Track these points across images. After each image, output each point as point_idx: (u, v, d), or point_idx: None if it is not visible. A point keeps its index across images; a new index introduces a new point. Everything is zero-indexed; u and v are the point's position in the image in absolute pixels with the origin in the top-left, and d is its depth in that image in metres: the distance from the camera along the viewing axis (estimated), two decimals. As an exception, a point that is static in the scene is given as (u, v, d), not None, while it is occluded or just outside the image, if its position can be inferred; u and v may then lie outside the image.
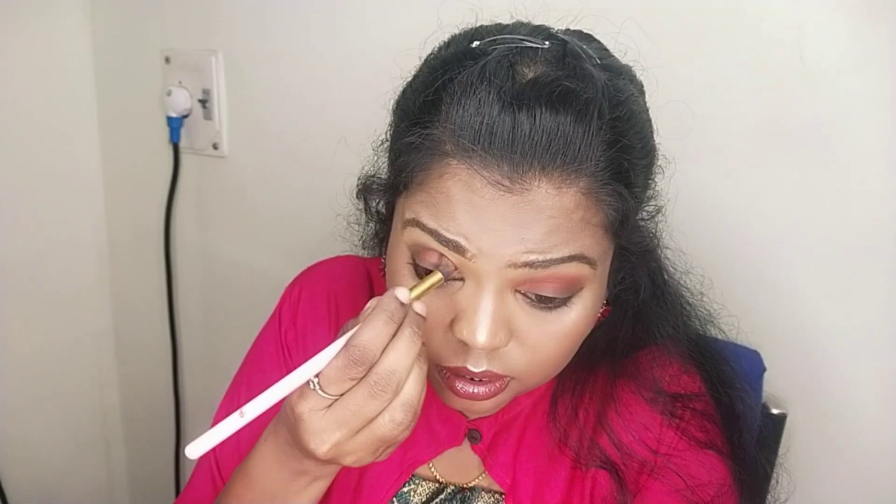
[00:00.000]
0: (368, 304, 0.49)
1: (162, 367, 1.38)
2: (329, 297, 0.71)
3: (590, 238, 0.49)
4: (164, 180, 1.26)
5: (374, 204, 0.63)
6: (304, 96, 1.08)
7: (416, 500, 0.65)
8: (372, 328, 0.47)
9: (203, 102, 1.18)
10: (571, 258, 0.49)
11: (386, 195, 0.58)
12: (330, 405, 0.47)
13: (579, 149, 0.47)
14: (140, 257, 1.36)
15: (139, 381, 1.47)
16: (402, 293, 0.49)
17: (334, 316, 0.70)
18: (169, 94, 1.19)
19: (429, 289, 0.50)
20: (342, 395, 0.47)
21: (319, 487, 0.56)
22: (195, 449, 0.48)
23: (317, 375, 0.47)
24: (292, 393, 0.49)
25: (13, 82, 1.22)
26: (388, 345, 0.47)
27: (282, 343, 0.71)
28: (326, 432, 0.47)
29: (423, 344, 0.49)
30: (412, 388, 0.48)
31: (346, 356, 0.46)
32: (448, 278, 0.51)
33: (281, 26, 1.07)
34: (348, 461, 0.49)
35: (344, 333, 0.48)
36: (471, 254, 0.48)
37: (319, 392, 0.47)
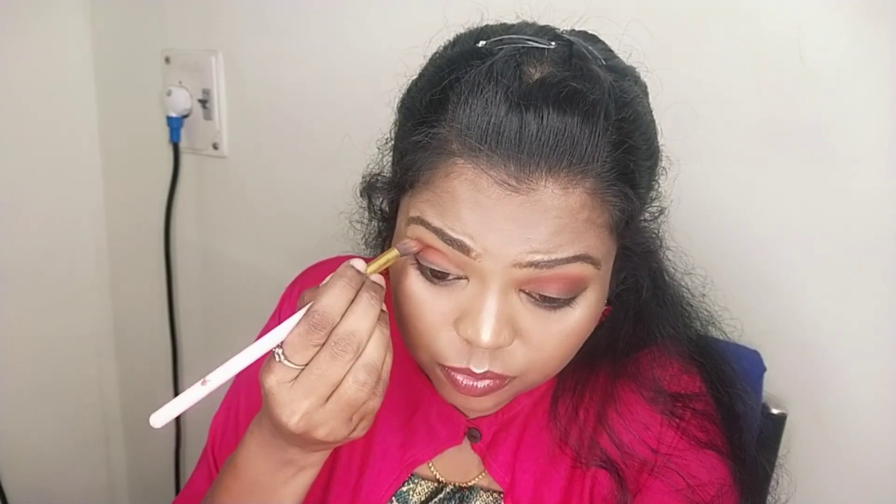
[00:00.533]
0: (326, 279, 0.50)
1: (162, 367, 1.38)
2: None
3: (594, 238, 0.49)
4: (164, 180, 1.26)
5: (377, 202, 0.63)
6: (305, 96, 1.08)
7: (415, 500, 0.65)
8: (330, 294, 0.48)
9: (203, 102, 1.18)
10: (576, 258, 0.49)
11: (390, 193, 0.59)
12: (296, 376, 0.49)
13: (586, 149, 0.47)
14: (140, 257, 1.36)
15: (139, 381, 1.47)
16: (359, 263, 0.50)
17: None
18: (169, 94, 1.19)
19: (384, 264, 0.52)
20: (307, 365, 0.48)
21: (306, 478, 0.56)
22: (158, 418, 0.49)
23: (280, 346, 0.48)
24: (261, 369, 0.50)
25: (13, 82, 1.22)
26: (347, 310, 0.48)
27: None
28: (295, 402, 0.48)
29: (384, 311, 0.50)
30: (373, 350, 0.49)
31: (306, 322, 0.48)
32: (404, 254, 0.52)
33: (281, 26, 1.07)
34: (322, 433, 0.50)
35: (303, 305, 0.49)
36: (475, 253, 0.48)
37: (285, 362, 0.48)
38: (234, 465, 0.58)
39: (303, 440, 0.51)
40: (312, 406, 0.48)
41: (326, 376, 0.48)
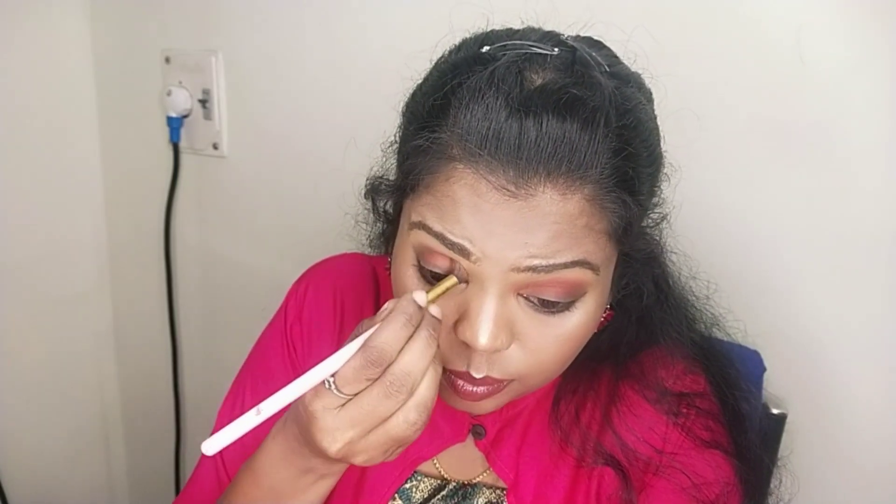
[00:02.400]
0: (385, 306, 0.50)
1: (162, 367, 1.38)
2: (334, 294, 0.71)
3: (593, 244, 0.50)
4: (164, 180, 1.26)
5: (381, 204, 0.63)
6: (304, 96, 1.08)
7: (418, 497, 0.65)
8: (390, 330, 0.47)
9: (203, 102, 1.18)
10: (574, 263, 0.49)
11: (393, 196, 0.59)
12: (343, 404, 0.48)
13: (584, 156, 0.47)
14: (140, 257, 1.36)
15: (139, 381, 1.47)
16: (420, 296, 0.49)
17: (339, 312, 0.71)
18: (169, 94, 1.19)
19: (444, 292, 0.51)
20: (356, 394, 0.48)
21: (326, 486, 0.56)
22: (212, 445, 0.48)
23: (332, 375, 0.48)
24: (307, 391, 0.49)
25: (13, 82, 1.21)
26: (404, 346, 0.47)
27: (287, 338, 0.72)
28: (339, 430, 0.48)
29: (439, 347, 0.50)
30: (426, 390, 0.48)
31: (363, 357, 0.47)
32: (462, 281, 0.51)
33: (281, 26, 1.07)
34: (359, 460, 0.50)
35: (359, 334, 0.49)
36: (475, 257, 0.49)
37: (335, 391, 0.48)
38: (252, 469, 0.58)
39: (336, 462, 0.51)
40: (356, 436, 0.48)
41: (376, 412, 0.47)
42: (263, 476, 0.57)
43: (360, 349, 0.47)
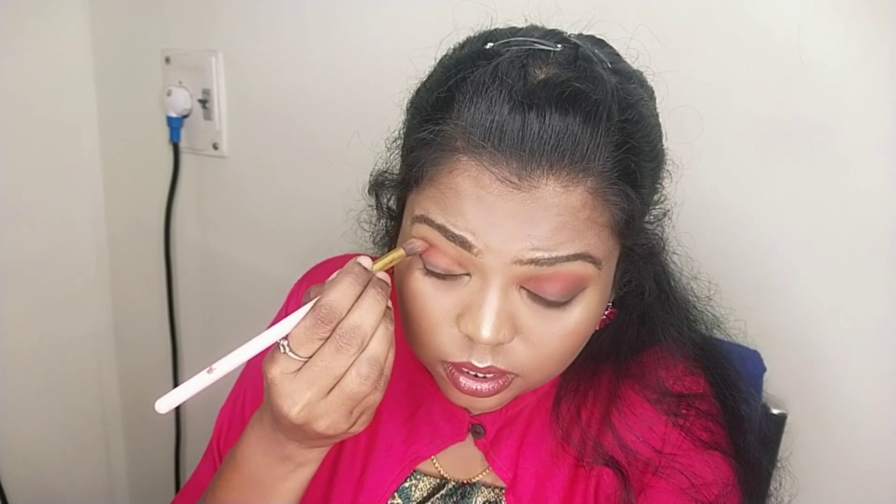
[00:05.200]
0: (332, 274, 0.51)
1: (162, 366, 1.38)
2: None
3: (595, 237, 0.50)
4: (164, 180, 1.26)
5: (385, 200, 0.64)
6: (304, 96, 1.08)
7: (417, 495, 0.65)
8: (337, 289, 0.49)
9: (203, 102, 1.18)
10: (577, 257, 0.49)
11: (397, 191, 0.59)
12: (300, 368, 0.49)
13: (587, 149, 0.48)
14: (140, 257, 1.36)
15: (139, 381, 1.47)
16: (366, 260, 0.51)
17: None
18: (169, 94, 1.19)
19: (389, 262, 0.52)
20: (311, 356, 0.49)
21: (304, 474, 0.57)
22: (164, 404, 0.49)
23: (286, 338, 0.49)
24: (265, 359, 0.50)
25: (13, 82, 1.21)
26: (353, 305, 0.49)
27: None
28: (297, 392, 0.49)
29: (389, 307, 0.51)
30: (377, 345, 0.50)
31: (313, 315, 0.48)
32: (410, 255, 0.52)
33: (281, 26, 1.07)
34: (322, 425, 0.50)
35: (309, 299, 0.50)
36: (477, 249, 0.49)
37: (290, 354, 0.49)
38: (234, 458, 0.58)
39: (303, 433, 0.51)
40: (314, 397, 0.49)
41: (330, 369, 0.48)
42: (243, 464, 0.57)
43: (310, 309, 0.49)
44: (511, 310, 0.51)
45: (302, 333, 0.48)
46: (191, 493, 0.69)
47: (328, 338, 0.48)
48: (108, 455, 1.51)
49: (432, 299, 0.53)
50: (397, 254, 0.52)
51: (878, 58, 0.68)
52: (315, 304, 0.49)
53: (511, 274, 0.50)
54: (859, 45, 0.69)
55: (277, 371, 0.49)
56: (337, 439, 0.54)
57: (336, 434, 0.51)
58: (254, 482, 0.57)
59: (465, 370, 0.54)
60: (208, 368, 0.49)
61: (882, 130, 0.69)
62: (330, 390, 0.49)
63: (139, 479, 1.54)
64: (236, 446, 0.59)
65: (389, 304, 0.51)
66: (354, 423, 0.52)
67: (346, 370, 0.49)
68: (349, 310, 0.49)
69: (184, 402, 1.48)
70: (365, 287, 0.50)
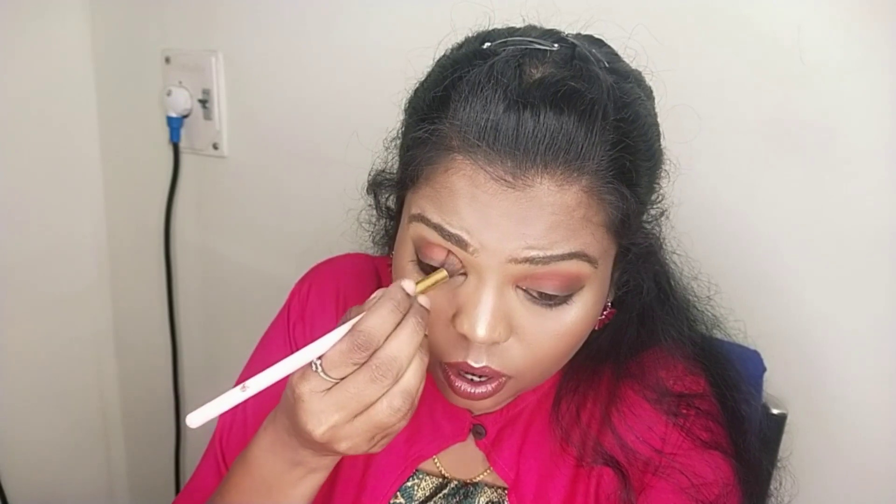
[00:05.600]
0: (374, 294, 0.50)
1: (162, 367, 1.38)
2: (337, 294, 0.72)
3: (590, 236, 0.50)
4: (164, 180, 1.26)
5: (383, 199, 0.64)
6: (304, 96, 1.08)
7: (419, 495, 0.65)
8: (378, 315, 0.47)
9: (203, 102, 1.18)
10: (572, 255, 0.49)
11: (395, 190, 0.59)
12: (330, 388, 0.48)
13: (582, 148, 0.48)
14: (140, 257, 1.36)
15: (139, 381, 1.47)
16: (409, 285, 0.50)
17: (342, 312, 0.71)
18: (169, 94, 1.19)
19: (434, 284, 0.51)
20: (343, 378, 0.48)
21: (315, 480, 0.56)
22: (196, 418, 0.48)
23: (319, 358, 0.48)
24: (294, 374, 0.49)
25: (13, 82, 1.21)
26: (391, 333, 0.48)
27: (290, 338, 0.72)
28: (325, 413, 0.48)
29: (426, 336, 0.50)
30: (412, 377, 0.49)
31: (350, 340, 0.47)
32: (453, 275, 0.51)
33: (281, 26, 1.07)
34: (343, 447, 0.50)
35: (347, 319, 0.49)
36: (472, 248, 0.49)
37: (321, 374, 0.48)
38: (245, 460, 0.58)
39: (321, 448, 0.51)
40: (341, 420, 0.48)
41: (361, 396, 0.48)
42: (255, 467, 0.57)
43: (347, 333, 0.48)
44: (506, 309, 0.51)
45: (337, 357, 0.47)
46: (191, 494, 0.69)
47: (363, 363, 0.48)
48: (108, 456, 1.51)
49: (428, 299, 0.53)
50: (440, 276, 0.51)
51: (878, 58, 0.68)
52: (353, 327, 0.48)
53: (506, 273, 0.50)
54: (859, 45, 0.69)
55: (307, 388, 0.48)
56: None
57: (354, 454, 0.51)
58: (265, 486, 0.56)
59: (461, 371, 0.54)
60: (242, 386, 0.48)
61: (882, 131, 0.69)
62: (357, 415, 0.48)
63: (139, 480, 1.54)
64: (248, 449, 0.58)
65: (427, 332, 0.50)
66: (374, 445, 0.51)
67: (377, 399, 0.48)
68: (387, 337, 0.48)
69: (184, 402, 1.47)
70: (406, 314, 0.49)
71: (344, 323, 0.49)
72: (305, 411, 0.48)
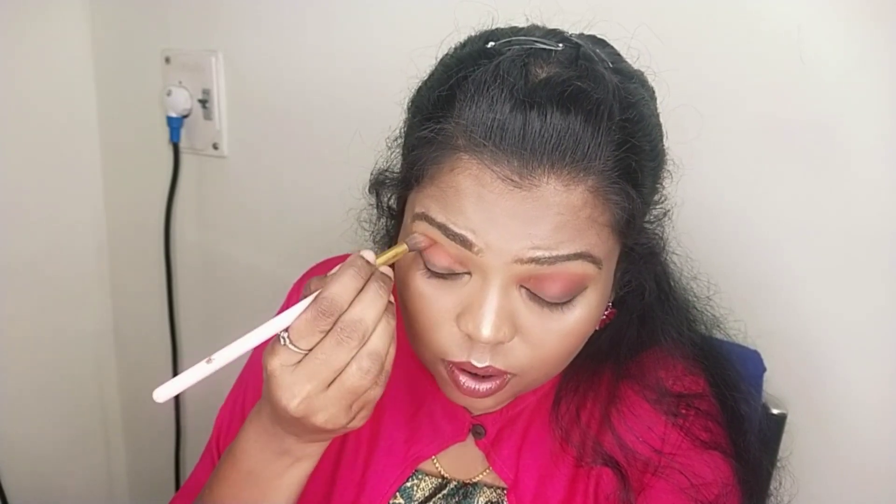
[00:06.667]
0: (335, 267, 0.50)
1: (162, 366, 1.38)
2: None
3: (596, 237, 0.50)
4: (164, 180, 1.26)
5: (385, 199, 0.64)
6: (304, 96, 1.08)
7: (419, 495, 0.65)
8: (339, 283, 0.48)
9: (203, 102, 1.18)
10: (577, 256, 0.49)
11: (398, 189, 0.59)
12: (300, 361, 0.49)
13: (588, 147, 0.48)
14: (140, 256, 1.36)
15: (139, 381, 1.47)
16: (369, 254, 0.51)
17: None
18: (169, 94, 1.19)
19: (393, 257, 0.52)
20: (312, 349, 0.48)
21: (302, 469, 0.56)
22: (162, 393, 0.49)
23: (286, 330, 0.49)
24: (265, 352, 0.50)
25: (13, 82, 1.21)
26: (355, 298, 0.48)
27: None
28: (297, 385, 0.48)
29: (392, 303, 0.51)
30: (379, 339, 0.49)
31: (314, 308, 0.48)
32: (412, 249, 0.52)
33: (281, 26, 1.07)
34: (321, 419, 0.50)
35: (310, 292, 0.50)
36: (477, 248, 0.49)
37: (290, 346, 0.48)
38: (231, 453, 0.58)
39: (301, 426, 0.51)
40: (314, 390, 0.48)
41: (330, 362, 0.48)
42: (241, 460, 0.57)
43: (311, 302, 0.48)
44: (511, 309, 0.51)
45: (303, 326, 0.48)
46: (190, 492, 0.69)
47: (329, 331, 0.48)
48: (107, 454, 1.51)
49: (433, 298, 0.53)
50: (400, 248, 0.52)
51: (877, 58, 0.68)
52: (316, 296, 0.48)
53: (511, 273, 0.50)
54: (859, 45, 0.69)
55: (277, 363, 0.49)
56: (335, 434, 0.53)
57: (335, 428, 0.51)
58: (251, 477, 0.57)
59: (465, 370, 0.54)
60: (207, 359, 0.48)
61: (882, 130, 0.69)
62: (330, 384, 0.49)
63: (139, 478, 1.54)
64: (234, 442, 0.58)
65: (391, 298, 0.51)
66: (353, 417, 0.52)
67: (347, 364, 0.48)
68: (351, 303, 0.48)
69: (184, 401, 1.48)
70: (367, 281, 0.49)
71: (307, 296, 0.49)
72: (278, 386, 0.49)
